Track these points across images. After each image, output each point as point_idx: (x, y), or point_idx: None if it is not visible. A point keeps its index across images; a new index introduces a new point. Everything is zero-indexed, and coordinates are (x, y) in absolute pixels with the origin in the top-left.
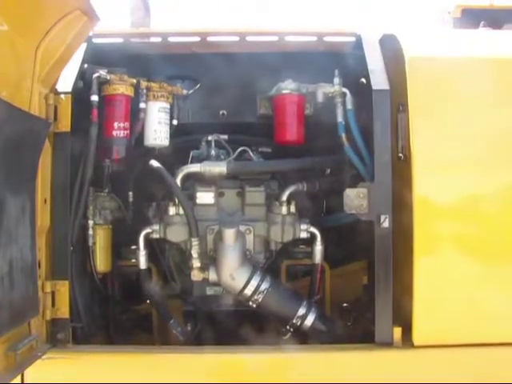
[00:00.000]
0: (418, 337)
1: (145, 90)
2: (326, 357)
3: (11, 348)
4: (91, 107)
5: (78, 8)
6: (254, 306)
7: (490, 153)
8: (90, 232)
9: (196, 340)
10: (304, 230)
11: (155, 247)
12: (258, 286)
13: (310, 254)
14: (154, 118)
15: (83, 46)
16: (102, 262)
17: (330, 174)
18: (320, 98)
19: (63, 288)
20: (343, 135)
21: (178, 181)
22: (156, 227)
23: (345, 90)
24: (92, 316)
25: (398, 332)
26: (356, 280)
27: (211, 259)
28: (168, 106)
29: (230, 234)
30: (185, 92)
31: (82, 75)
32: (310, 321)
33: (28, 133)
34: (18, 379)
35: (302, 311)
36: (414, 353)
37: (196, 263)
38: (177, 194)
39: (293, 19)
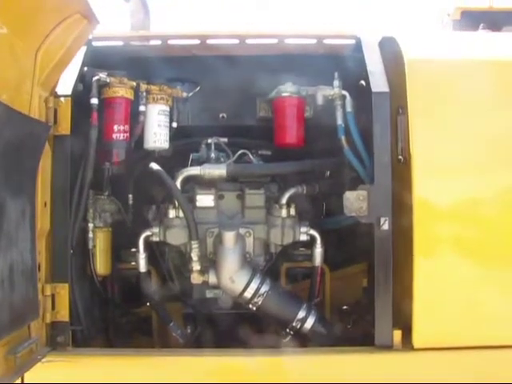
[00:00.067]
0: (417, 339)
1: (144, 93)
2: (325, 359)
3: (11, 351)
4: (91, 110)
5: (78, 11)
6: (254, 308)
7: (489, 155)
8: (90, 235)
9: (196, 343)
10: (304, 233)
11: (155, 250)
12: (258, 289)
13: (310, 257)
14: (154, 120)
15: (83, 49)
16: (101, 264)
17: (329, 176)
18: (320, 100)
19: (63, 291)
20: (343, 138)
21: (178, 183)
22: (156, 230)
23: (344, 92)
24: (92, 319)
25: (397, 335)
26: (356, 282)
27: (211, 262)
28: (168, 108)
29: (229, 236)
30: (184, 95)
31: (82, 78)
32: (309, 323)
33: (28, 136)
34: (17, 382)
35: (301, 314)
36: (413, 355)
37: (196, 266)
38: (177, 196)
39: (292, 18)
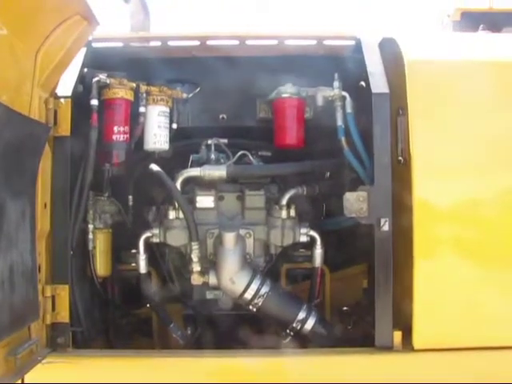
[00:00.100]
0: (418, 340)
1: (144, 94)
2: (326, 360)
3: (11, 352)
4: (91, 111)
5: (78, 12)
6: (254, 309)
7: (489, 156)
8: (90, 236)
9: (196, 344)
10: (304, 234)
11: (155, 251)
12: (258, 290)
13: (310, 258)
14: (154, 121)
15: (83, 51)
16: (102, 266)
17: (329, 177)
18: (320, 101)
19: (63, 292)
20: (343, 139)
21: (178, 185)
22: (156, 231)
23: (344, 93)
24: (92, 320)
25: (398, 336)
26: (356, 283)
27: (211, 263)
28: (168, 109)
29: (229, 237)
30: (184, 96)
31: (82, 79)
32: (310, 324)
33: (28, 137)
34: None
35: (302, 315)
36: (414, 356)
37: (196, 267)
38: (177, 197)
39: (292, 19)
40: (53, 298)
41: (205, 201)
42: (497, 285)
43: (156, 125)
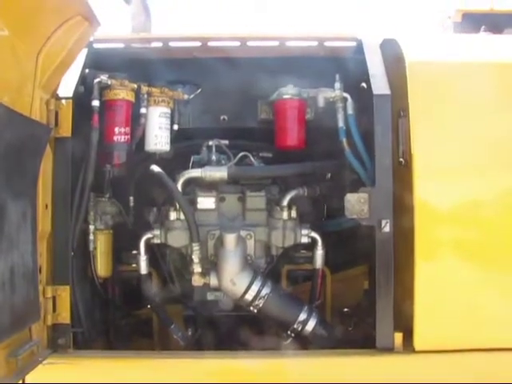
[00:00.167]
0: (419, 342)
1: (145, 95)
2: (326, 362)
3: (12, 353)
4: (92, 112)
5: (79, 13)
6: (255, 311)
7: (490, 158)
8: (91, 237)
9: (196, 345)
10: (305, 235)
11: (156, 252)
12: (259, 291)
13: (311, 259)
14: (155, 123)
15: (84, 52)
16: (102, 266)
17: (330, 178)
18: (321, 102)
19: (64, 293)
20: (344, 140)
21: (179, 186)
22: (157, 232)
23: (346, 94)
24: (93, 321)
25: (399, 337)
26: (357, 285)
27: (212, 264)
28: (169, 110)
29: (230, 239)
30: (186, 97)
31: (83, 80)
32: (310, 326)
33: (29, 138)
34: None
35: (302, 316)
36: (415, 358)
37: (197, 268)
38: (178, 199)
39: (291, 20)
40: (54, 298)
41: (206, 202)
42: (498, 286)
43: (157, 126)
